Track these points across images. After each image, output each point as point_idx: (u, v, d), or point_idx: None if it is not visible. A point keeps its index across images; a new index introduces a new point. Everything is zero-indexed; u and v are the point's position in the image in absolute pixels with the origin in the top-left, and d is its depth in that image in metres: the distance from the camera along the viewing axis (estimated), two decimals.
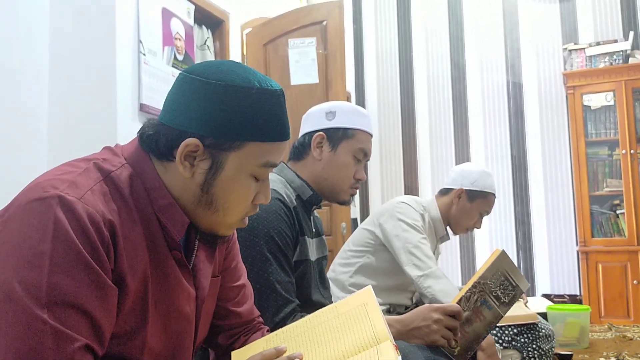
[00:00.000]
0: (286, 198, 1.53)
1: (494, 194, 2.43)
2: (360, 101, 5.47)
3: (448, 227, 2.48)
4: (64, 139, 2.60)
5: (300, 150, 1.68)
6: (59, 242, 0.79)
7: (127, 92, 2.66)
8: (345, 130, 1.64)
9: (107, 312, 0.84)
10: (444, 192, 2.47)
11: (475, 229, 2.47)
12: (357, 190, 1.71)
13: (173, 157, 0.92)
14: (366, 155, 1.68)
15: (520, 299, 2.23)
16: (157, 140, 0.94)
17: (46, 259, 0.79)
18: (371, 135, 1.70)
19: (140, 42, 2.74)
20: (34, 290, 0.77)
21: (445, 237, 2.50)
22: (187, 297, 1.00)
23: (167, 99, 0.96)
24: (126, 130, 2.55)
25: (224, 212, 0.97)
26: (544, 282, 4.79)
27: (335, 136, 1.64)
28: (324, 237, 1.79)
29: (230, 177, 0.94)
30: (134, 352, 0.91)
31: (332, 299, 1.79)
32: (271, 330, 1.24)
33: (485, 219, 4.87)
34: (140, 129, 0.97)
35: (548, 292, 4.72)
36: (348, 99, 4.91)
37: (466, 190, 2.39)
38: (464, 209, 2.40)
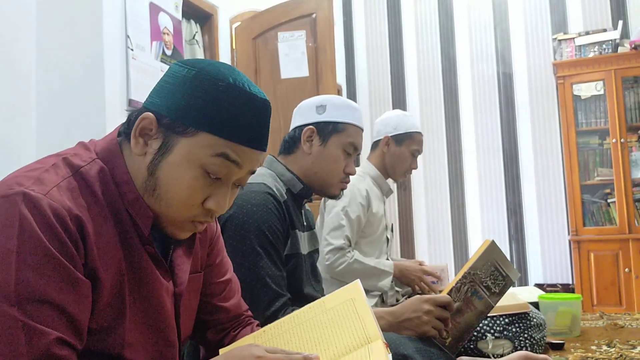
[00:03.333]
0: (276, 192, 1.53)
1: (418, 132, 2.55)
2: (351, 94, 5.46)
3: (389, 180, 2.59)
4: (52, 136, 2.59)
5: (291, 144, 1.68)
6: (25, 239, 0.79)
7: (115, 88, 2.64)
8: (335, 124, 1.64)
9: (80, 305, 0.84)
10: (373, 146, 2.58)
11: (413, 171, 2.59)
12: (347, 184, 1.72)
13: None
14: (356, 149, 1.68)
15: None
16: (128, 119, 0.95)
17: (13, 257, 0.78)
18: (362, 130, 1.70)
19: (128, 37, 2.72)
20: (2, 288, 0.78)
21: (390, 191, 2.59)
22: (165, 292, 0.99)
23: None
24: (115, 126, 2.52)
25: (166, 203, 0.92)
26: (536, 272, 4.82)
27: (326, 130, 1.64)
28: (315, 230, 1.79)
29: (177, 163, 0.90)
30: (113, 347, 0.91)
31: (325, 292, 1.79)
32: (262, 324, 1.24)
33: (477, 209, 4.91)
34: None
35: (540, 281, 4.75)
36: (339, 92, 4.91)
37: (391, 136, 2.50)
38: (395, 154, 2.51)
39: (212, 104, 0.89)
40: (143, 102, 0.97)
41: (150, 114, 0.91)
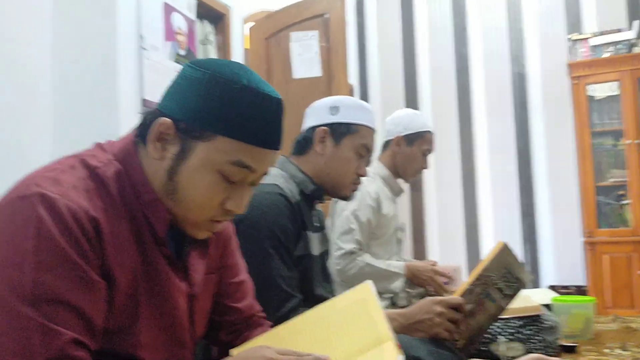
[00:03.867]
0: (288, 193, 1.54)
1: (429, 131, 2.52)
2: (364, 94, 5.46)
3: (399, 180, 2.57)
4: (67, 136, 2.60)
5: (303, 145, 1.68)
6: (42, 239, 0.80)
7: (128, 88, 2.66)
8: (348, 125, 1.64)
9: (96, 305, 0.84)
10: (384, 146, 2.55)
11: (425, 171, 2.58)
12: (359, 186, 1.71)
13: None
14: (369, 150, 1.68)
15: None
16: (143, 123, 0.95)
17: (29, 257, 0.79)
18: (374, 131, 1.70)
19: (142, 37, 2.74)
20: (19, 288, 0.78)
21: (400, 191, 2.57)
22: (179, 293, 0.99)
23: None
24: (129, 127, 2.54)
25: (186, 206, 0.93)
26: (549, 274, 4.79)
27: (339, 131, 1.64)
28: (326, 231, 1.79)
29: (195, 168, 0.91)
30: (128, 347, 0.91)
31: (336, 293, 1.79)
32: (274, 325, 1.24)
33: (490, 209, 4.89)
34: None
35: (554, 283, 4.72)
36: (351, 92, 4.90)
37: (402, 136, 2.47)
38: (406, 154, 2.48)
39: (227, 107, 0.89)
40: (157, 104, 0.97)
41: (167, 119, 0.91)
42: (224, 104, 0.89)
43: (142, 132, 0.96)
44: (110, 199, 0.90)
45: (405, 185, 2.72)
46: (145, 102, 2.71)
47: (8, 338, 0.77)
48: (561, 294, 3.92)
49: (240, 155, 0.91)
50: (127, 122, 2.60)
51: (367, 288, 1.11)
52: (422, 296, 2.43)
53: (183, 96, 0.91)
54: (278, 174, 1.61)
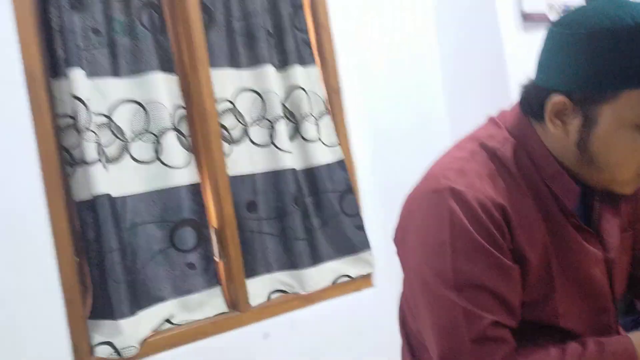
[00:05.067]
0: None
1: None
2: None
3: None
4: (454, 67, 2.71)
5: None
6: (456, 231, 0.87)
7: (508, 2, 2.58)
8: None
9: (511, 288, 0.89)
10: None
11: None
12: None
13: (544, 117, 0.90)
14: None
15: None
16: (529, 101, 0.93)
17: (447, 247, 0.87)
18: None
19: None
20: (442, 274, 0.88)
21: None
22: (594, 260, 0.97)
23: (538, 56, 0.93)
24: (511, 45, 2.50)
25: (609, 170, 0.89)
26: None
27: None
28: None
29: (607, 132, 0.85)
30: (547, 317, 0.95)
31: None
32: None
33: None
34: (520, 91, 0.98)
35: None
36: None
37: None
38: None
39: (622, 59, 0.81)
40: (535, 78, 0.93)
41: (560, 96, 0.87)
42: (617, 58, 0.82)
43: (526, 106, 0.95)
44: (512, 179, 0.92)
45: None
46: (526, 17, 2.59)
47: (437, 317, 0.89)
48: None
49: None
50: (509, 38, 2.52)
51: None
52: None
53: (565, 66, 0.86)
54: None
